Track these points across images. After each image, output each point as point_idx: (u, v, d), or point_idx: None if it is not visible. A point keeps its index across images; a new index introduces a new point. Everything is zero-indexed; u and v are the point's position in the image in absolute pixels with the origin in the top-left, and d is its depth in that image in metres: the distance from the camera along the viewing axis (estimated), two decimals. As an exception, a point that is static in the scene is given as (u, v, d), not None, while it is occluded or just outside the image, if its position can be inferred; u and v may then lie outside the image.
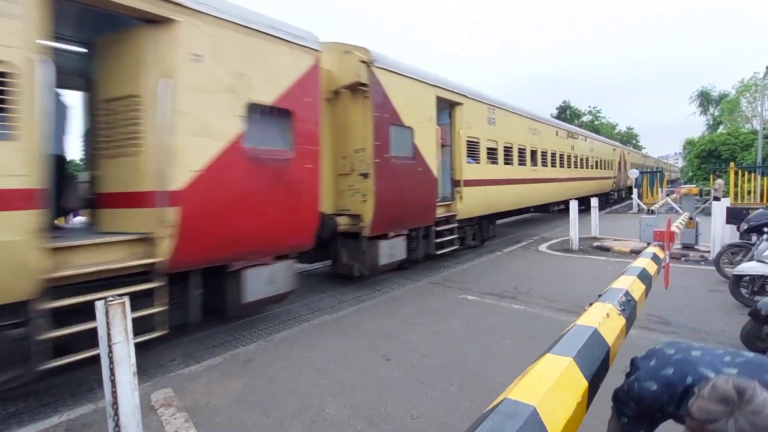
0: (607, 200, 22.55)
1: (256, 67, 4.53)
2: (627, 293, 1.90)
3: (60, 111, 4.47)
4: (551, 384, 1.07)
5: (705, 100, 44.50)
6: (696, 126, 74.49)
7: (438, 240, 7.97)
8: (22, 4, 2.97)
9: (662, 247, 3.15)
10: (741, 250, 6.18)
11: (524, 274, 7.44)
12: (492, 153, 9.97)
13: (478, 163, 9.24)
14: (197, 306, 4.44)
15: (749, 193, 17.17)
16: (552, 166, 14.07)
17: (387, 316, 5.31)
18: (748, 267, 4.82)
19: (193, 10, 3.96)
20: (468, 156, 8.80)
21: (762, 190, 16.67)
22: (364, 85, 6.22)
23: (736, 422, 0.90)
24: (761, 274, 4.68)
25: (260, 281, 4.84)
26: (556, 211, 17.20)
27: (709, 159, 25.02)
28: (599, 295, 1.86)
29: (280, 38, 4.78)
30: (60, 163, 4.38)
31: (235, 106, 4.33)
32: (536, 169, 12.65)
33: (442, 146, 8.37)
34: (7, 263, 2.96)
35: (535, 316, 5.17)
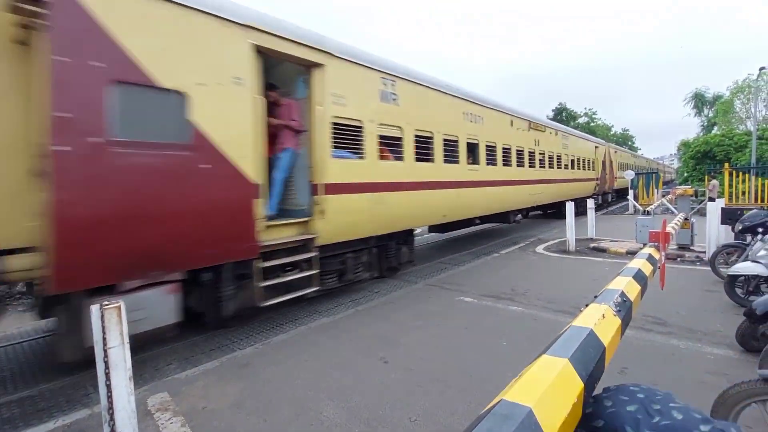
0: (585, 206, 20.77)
1: None
2: (623, 294, 1.91)
3: None
4: (547, 385, 1.07)
5: (699, 101, 44.94)
6: (691, 127, 75.22)
7: (272, 282, 5.07)
8: None
9: (658, 248, 3.16)
10: (736, 250, 6.22)
11: (521, 276, 7.46)
12: (393, 144, 7.18)
13: (362, 158, 6.41)
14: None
15: (744, 193, 17.32)
16: (505, 165, 11.10)
17: (384, 318, 5.31)
18: (743, 267, 4.85)
19: None
20: (341, 148, 6.07)
21: (756, 191, 16.82)
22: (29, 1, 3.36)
23: None
24: (756, 274, 4.72)
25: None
26: (517, 221, 13.41)
27: (704, 160, 25.16)
28: (595, 297, 1.86)
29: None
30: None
31: None
32: (476, 168, 9.69)
33: (298, 132, 5.86)
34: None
35: (533, 317, 5.19)
